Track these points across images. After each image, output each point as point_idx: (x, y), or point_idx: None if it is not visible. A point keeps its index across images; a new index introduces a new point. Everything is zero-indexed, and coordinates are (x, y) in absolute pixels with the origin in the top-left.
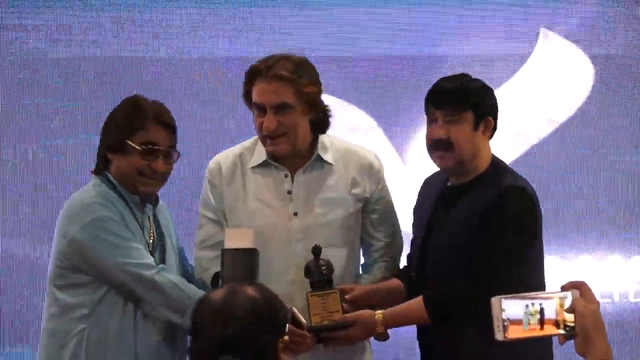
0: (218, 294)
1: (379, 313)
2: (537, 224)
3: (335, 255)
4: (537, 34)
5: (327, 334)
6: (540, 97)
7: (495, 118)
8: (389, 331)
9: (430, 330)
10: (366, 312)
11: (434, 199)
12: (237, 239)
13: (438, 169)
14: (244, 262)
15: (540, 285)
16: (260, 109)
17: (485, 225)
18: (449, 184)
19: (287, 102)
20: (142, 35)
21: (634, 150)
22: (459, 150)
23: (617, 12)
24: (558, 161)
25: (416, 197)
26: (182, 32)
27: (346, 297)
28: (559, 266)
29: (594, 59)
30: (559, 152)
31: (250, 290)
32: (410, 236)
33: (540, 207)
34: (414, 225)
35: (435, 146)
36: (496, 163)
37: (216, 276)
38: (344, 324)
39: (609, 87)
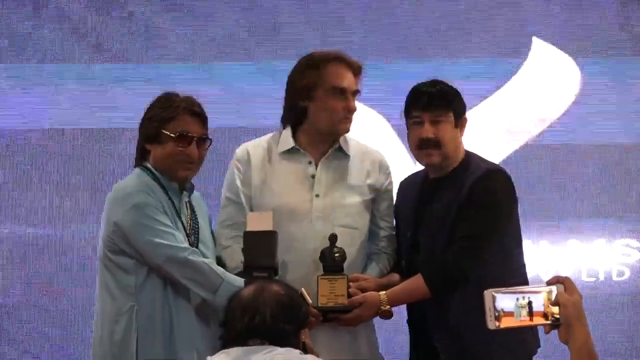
0: (248, 291)
1: (382, 293)
2: (515, 198)
3: (349, 236)
4: (531, 43)
5: (332, 315)
6: (532, 99)
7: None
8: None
9: (424, 307)
10: (371, 294)
11: (417, 195)
12: (257, 222)
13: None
14: (263, 244)
15: (519, 256)
16: (342, 93)
17: (470, 203)
18: (429, 178)
19: (359, 91)
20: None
21: (618, 144)
22: (445, 147)
23: (602, 17)
24: (549, 155)
25: (395, 199)
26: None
27: (353, 284)
28: (550, 249)
29: (581, 63)
30: (550, 147)
31: (276, 287)
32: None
33: (532, 196)
34: (399, 222)
35: (425, 145)
36: (469, 155)
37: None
38: (350, 307)
39: (595, 89)
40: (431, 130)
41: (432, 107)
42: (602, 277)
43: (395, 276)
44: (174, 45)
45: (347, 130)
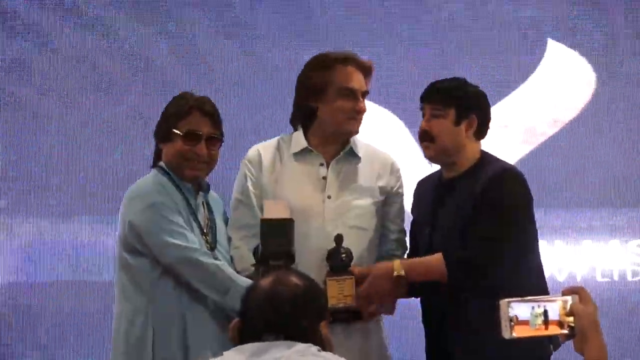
0: (266, 282)
1: (396, 261)
2: (530, 198)
3: (360, 237)
4: (546, 44)
5: (342, 316)
6: (547, 100)
7: (482, 119)
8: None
9: (440, 310)
10: (377, 264)
11: (432, 195)
12: (274, 210)
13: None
14: (280, 231)
15: (536, 256)
16: (353, 94)
17: (483, 203)
18: (444, 178)
19: (368, 92)
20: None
21: (634, 145)
22: (439, 142)
23: (616, 19)
24: (564, 156)
25: (412, 198)
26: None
27: (351, 269)
28: (565, 249)
29: (596, 65)
30: (564, 148)
31: (294, 279)
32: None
33: (546, 196)
34: (415, 222)
35: (421, 137)
36: (485, 156)
37: (257, 248)
38: (358, 307)
39: (610, 90)
40: (427, 124)
41: (432, 101)
42: (616, 277)
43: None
44: None
45: (356, 132)
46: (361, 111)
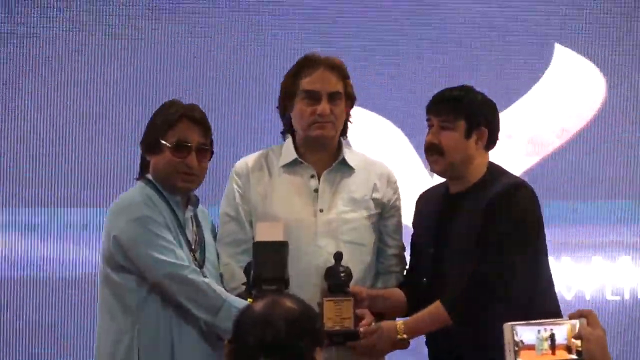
0: (259, 304)
1: (399, 322)
2: (540, 215)
3: (356, 253)
4: (552, 49)
5: (339, 339)
6: (555, 108)
7: (492, 130)
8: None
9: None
10: (386, 323)
11: (437, 210)
12: (268, 232)
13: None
14: (274, 255)
15: (548, 274)
16: (314, 97)
17: (490, 222)
18: (450, 192)
19: (340, 92)
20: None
21: None
22: (449, 156)
23: (626, 23)
24: (571, 168)
25: (413, 212)
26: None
27: (351, 289)
28: (573, 266)
29: (605, 71)
30: (572, 159)
31: (289, 302)
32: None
33: (554, 211)
34: (418, 237)
35: (429, 150)
36: (493, 168)
37: (249, 265)
38: (357, 330)
39: (620, 97)
40: (436, 136)
41: (439, 112)
42: (627, 296)
43: (397, 291)
44: None
45: (323, 137)
46: (323, 114)
